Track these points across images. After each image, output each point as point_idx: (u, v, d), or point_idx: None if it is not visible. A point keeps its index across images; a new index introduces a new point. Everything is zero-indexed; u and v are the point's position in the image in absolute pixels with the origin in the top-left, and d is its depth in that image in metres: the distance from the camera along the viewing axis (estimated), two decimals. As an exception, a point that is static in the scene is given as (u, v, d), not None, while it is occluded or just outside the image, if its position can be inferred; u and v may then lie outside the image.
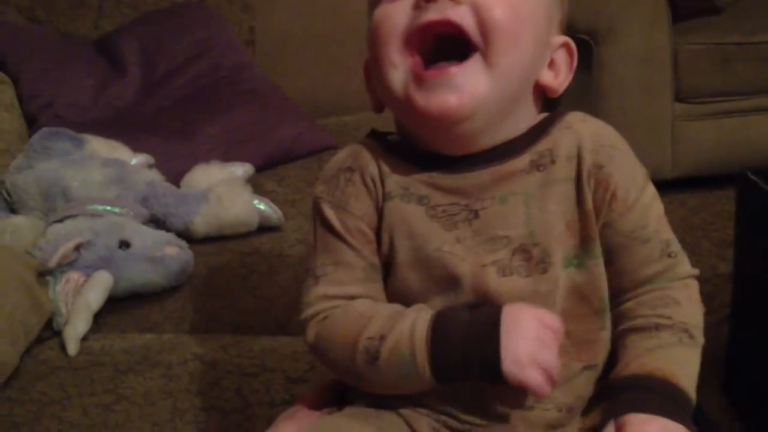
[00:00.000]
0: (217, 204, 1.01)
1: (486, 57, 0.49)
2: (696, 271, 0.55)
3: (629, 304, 0.53)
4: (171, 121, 1.26)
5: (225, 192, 1.02)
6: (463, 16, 0.49)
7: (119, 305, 0.89)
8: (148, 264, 0.89)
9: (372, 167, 0.53)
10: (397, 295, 0.53)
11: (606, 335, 0.53)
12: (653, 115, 1.96)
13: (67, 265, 0.86)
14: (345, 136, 1.39)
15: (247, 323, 0.87)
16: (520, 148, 0.52)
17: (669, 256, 0.53)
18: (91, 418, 0.72)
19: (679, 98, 1.97)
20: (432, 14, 0.49)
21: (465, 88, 0.49)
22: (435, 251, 0.51)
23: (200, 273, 0.95)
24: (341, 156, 0.55)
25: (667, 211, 1.81)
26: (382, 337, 0.49)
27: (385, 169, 0.53)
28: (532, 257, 0.51)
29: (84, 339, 0.82)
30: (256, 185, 1.16)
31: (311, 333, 0.52)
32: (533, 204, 0.51)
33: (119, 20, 1.46)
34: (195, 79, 1.35)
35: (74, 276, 0.85)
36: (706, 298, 1.58)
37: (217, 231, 1.02)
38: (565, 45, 0.55)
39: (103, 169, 1.00)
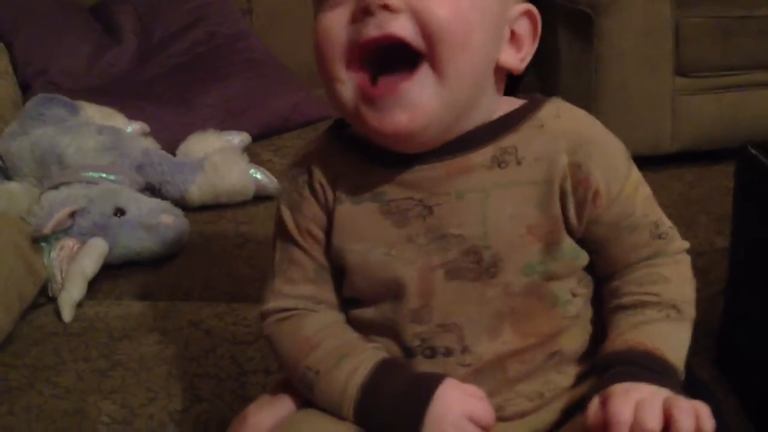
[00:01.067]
0: (213, 173, 1.01)
1: (434, 65, 0.46)
2: (687, 245, 0.54)
3: (617, 283, 0.52)
4: (167, 89, 1.25)
5: (221, 161, 1.02)
6: (404, 27, 0.45)
7: (114, 272, 0.89)
8: (144, 231, 0.89)
9: (323, 173, 0.52)
10: (348, 297, 0.53)
11: (569, 322, 0.51)
12: (653, 88, 1.95)
13: (62, 231, 0.86)
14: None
15: (243, 291, 0.87)
16: (481, 141, 0.50)
17: (659, 237, 0.52)
18: (85, 383, 0.72)
19: (679, 72, 1.95)
20: (372, 29, 0.46)
21: (417, 105, 0.46)
22: (383, 255, 0.50)
23: (196, 241, 0.95)
24: (300, 155, 0.55)
25: (666, 186, 1.80)
26: (318, 373, 0.50)
27: (340, 170, 0.52)
28: (482, 260, 0.49)
29: (79, 305, 0.82)
30: (252, 154, 1.16)
31: (266, 330, 0.54)
32: (491, 204, 0.49)
33: (115, -14, 1.44)
34: (191, 46, 1.34)
35: (69, 243, 0.85)
36: (702, 271, 1.57)
37: (213, 199, 1.01)
38: (527, 13, 0.51)
39: (98, 136, 1.00)
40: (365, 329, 0.52)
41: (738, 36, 1.91)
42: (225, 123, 1.21)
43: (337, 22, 0.47)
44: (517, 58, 0.50)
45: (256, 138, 1.23)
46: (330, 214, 0.52)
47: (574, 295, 0.52)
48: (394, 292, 0.50)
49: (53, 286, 0.83)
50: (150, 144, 1.07)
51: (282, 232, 0.54)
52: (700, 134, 2.00)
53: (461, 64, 0.46)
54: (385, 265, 0.50)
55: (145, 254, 0.90)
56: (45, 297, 0.84)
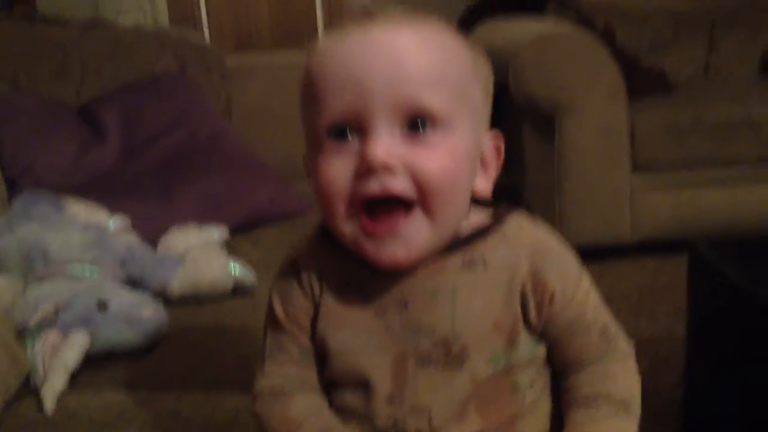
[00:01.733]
0: (193, 267, 1.05)
1: (426, 211, 0.54)
2: (632, 345, 0.62)
3: (571, 380, 0.60)
4: (149, 186, 1.30)
5: (202, 256, 1.06)
6: (402, 185, 0.53)
7: (95, 363, 0.91)
8: (125, 324, 0.92)
9: (312, 269, 0.60)
10: (329, 380, 0.60)
11: (528, 408, 0.58)
12: (613, 184, 2.06)
13: (46, 324, 0.89)
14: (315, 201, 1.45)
15: (221, 381, 0.90)
16: (454, 249, 0.57)
17: (608, 338, 0.60)
18: (66, 473, 0.73)
19: (636, 169, 2.07)
20: (374, 186, 0.53)
21: (411, 240, 0.54)
22: (363, 343, 0.57)
23: (175, 333, 0.98)
24: (292, 252, 0.63)
25: (627, 275, 1.88)
26: None
27: (328, 267, 0.59)
28: (451, 351, 0.56)
29: (60, 397, 0.84)
30: (230, 247, 1.21)
31: (256, 409, 0.61)
32: (460, 302, 0.56)
33: (101, 89, 1.51)
34: (173, 145, 1.40)
35: (52, 335, 0.88)
36: (663, 360, 1.64)
37: (193, 292, 1.05)
38: (494, 137, 0.59)
39: (82, 233, 1.04)
40: (343, 410, 0.58)
41: (690, 137, 2.04)
42: (205, 217, 1.26)
43: (341, 174, 0.54)
44: (485, 181, 0.59)
45: (235, 230, 1.28)
46: (317, 306, 0.59)
47: (532, 384, 0.58)
48: (371, 376, 0.57)
49: (36, 377, 0.85)
50: (132, 238, 1.11)
51: (272, 320, 0.62)
52: (657, 227, 2.10)
53: (449, 209, 0.55)
54: (363, 351, 0.57)
55: (125, 346, 0.92)
56: (27, 388, 0.86)
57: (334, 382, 0.60)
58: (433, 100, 0.53)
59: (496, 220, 0.59)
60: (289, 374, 0.60)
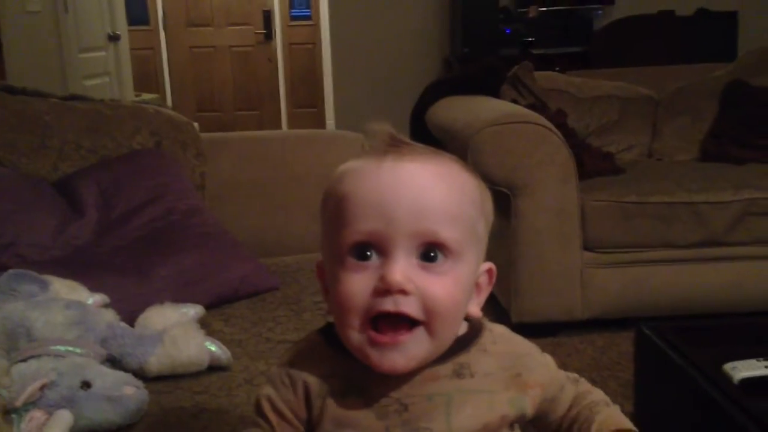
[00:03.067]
0: (171, 346, 1.09)
1: (429, 330, 0.62)
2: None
3: (565, 418, 0.71)
4: (125, 262, 1.35)
5: (180, 334, 1.11)
6: (412, 307, 0.61)
7: (76, 442, 0.95)
8: (107, 403, 0.96)
9: (314, 371, 0.66)
10: None
11: None
12: (565, 261, 2.17)
13: (31, 403, 0.92)
14: (286, 277, 1.51)
15: (198, 461, 0.94)
16: (445, 358, 0.66)
17: (570, 378, 0.73)
18: None
19: (587, 247, 2.19)
20: (389, 305, 0.61)
21: (411, 352, 0.62)
22: None
23: (153, 411, 1.02)
24: (293, 351, 0.69)
25: (578, 351, 1.99)
26: None
27: (330, 369, 0.66)
28: None
29: (43, 476, 0.87)
30: (203, 324, 1.25)
31: None
32: (453, 406, 0.64)
33: (79, 163, 1.56)
34: (150, 221, 1.45)
35: (37, 414, 0.91)
36: (612, 437, 1.69)
37: (170, 371, 1.09)
38: (488, 270, 0.69)
39: (65, 311, 1.07)
40: None
41: (636, 218, 2.17)
42: (179, 293, 1.31)
43: (360, 290, 0.61)
44: (477, 304, 0.68)
45: (207, 307, 1.32)
46: (319, 408, 0.65)
47: None
48: None
49: (21, 456, 0.88)
50: (112, 316, 1.15)
51: (257, 410, 0.68)
52: (607, 304, 2.21)
53: (448, 329, 0.64)
54: None
55: (106, 425, 0.96)
56: (12, 468, 0.88)
57: None
58: (449, 234, 0.61)
59: (475, 333, 0.68)
60: None
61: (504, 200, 2.17)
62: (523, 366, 0.68)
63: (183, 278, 1.35)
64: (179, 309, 1.22)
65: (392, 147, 0.64)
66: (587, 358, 2.05)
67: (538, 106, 2.58)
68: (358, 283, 0.61)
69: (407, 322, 0.61)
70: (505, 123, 2.14)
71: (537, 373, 0.68)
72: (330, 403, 0.65)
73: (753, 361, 1.11)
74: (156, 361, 1.09)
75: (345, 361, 0.65)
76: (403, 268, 0.60)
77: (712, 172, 2.38)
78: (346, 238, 0.62)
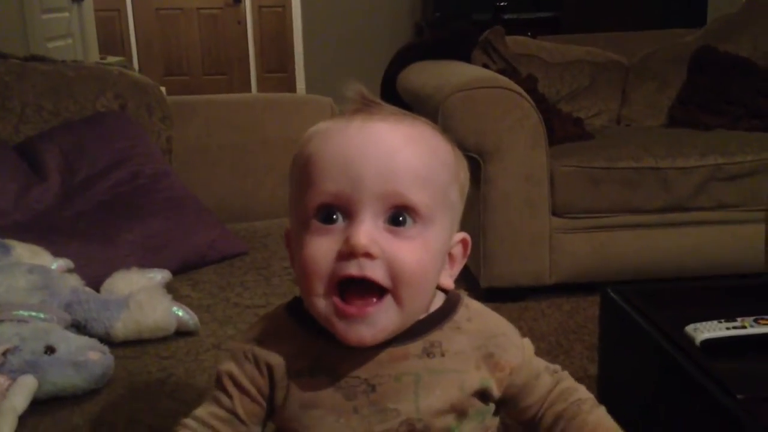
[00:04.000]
0: (137, 310, 1.08)
1: (396, 298, 0.60)
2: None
3: (547, 413, 0.67)
4: (90, 227, 1.32)
5: (145, 299, 1.10)
6: (379, 272, 0.58)
7: (39, 408, 0.93)
8: (72, 369, 0.95)
9: (280, 348, 0.64)
10: None
11: None
12: (533, 227, 2.19)
13: (-7, 369, 0.91)
14: (255, 242, 1.50)
15: (166, 424, 0.93)
16: (414, 335, 0.64)
17: (551, 371, 0.69)
18: None
19: (555, 213, 2.21)
20: (353, 269, 0.58)
21: (379, 323, 0.60)
22: (333, 422, 0.62)
23: (120, 376, 1.01)
24: (257, 328, 0.67)
25: (546, 314, 2.02)
26: None
27: (298, 347, 0.64)
28: (414, 429, 0.62)
29: (8, 441, 0.86)
30: (170, 289, 1.24)
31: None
32: (422, 386, 0.63)
33: (41, 126, 1.52)
34: (115, 185, 1.42)
35: (0, 380, 0.90)
36: (577, 398, 1.72)
37: (137, 336, 1.08)
38: (462, 240, 0.67)
39: (28, 276, 1.06)
40: None
41: (604, 184, 2.19)
42: (145, 259, 1.30)
43: (324, 254, 0.59)
44: (449, 275, 0.66)
45: (175, 272, 1.31)
46: (284, 388, 0.63)
47: None
48: None
49: (-17, 422, 0.87)
50: (76, 281, 1.13)
51: (218, 383, 0.66)
52: (574, 269, 2.24)
53: (417, 298, 0.61)
54: (334, 429, 0.62)
55: (71, 390, 0.95)
56: (-26, 433, 0.87)
57: None
58: (418, 197, 0.59)
59: (450, 308, 0.67)
60: (210, 425, 0.65)
61: (474, 166, 2.17)
62: (496, 346, 0.65)
63: (149, 243, 1.34)
64: (145, 274, 1.21)
65: (363, 107, 0.63)
66: (554, 322, 2.08)
67: (509, 71, 2.57)
68: (323, 247, 0.59)
69: (375, 291, 0.59)
70: (476, 88, 2.14)
71: (510, 354, 0.66)
72: (296, 383, 0.63)
73: (714, 323, 1.13)
74: (122, 326, 1.08)
75: (312, 339, 0.63)
76: (368, 231, 0.58)
77: (679, 137, 2.41)
78: (311, 200, 0.60)
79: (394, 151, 0.60)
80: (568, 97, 2.79)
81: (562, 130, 2.40)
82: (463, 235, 0.66)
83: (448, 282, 0.66)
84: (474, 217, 2.22)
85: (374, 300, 0.59)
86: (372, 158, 0.59)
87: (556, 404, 0.67)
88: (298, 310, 0.66)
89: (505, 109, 2.13)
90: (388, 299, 0.59)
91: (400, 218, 0.59)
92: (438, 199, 0.61)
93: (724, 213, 2.25)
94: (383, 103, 0.64)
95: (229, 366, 0.66)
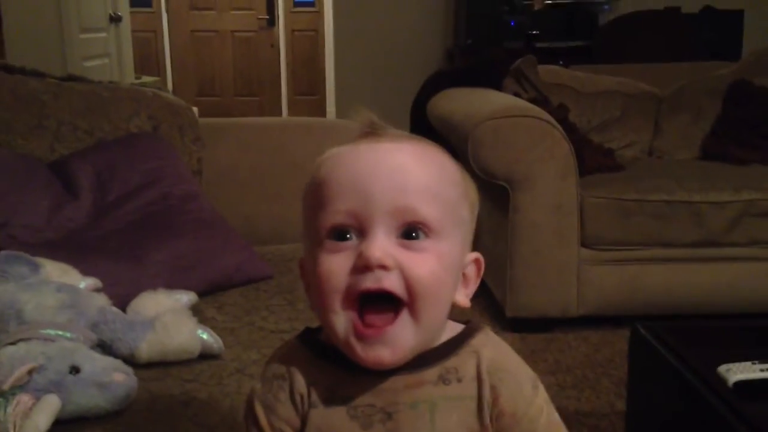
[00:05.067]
0: (163, 332, 1.08)
1: (412, 312, 0.59)
2: None
3: None
4: (120, 246, 1.33)
5: (171, 321, 1.10)
6: (393, 283, 0.59)
7: (63, 427, 0.93)
8: (96, 389, 0.95)
9: (300, 381, 0.63)
10: None
11: None
12: (561, 257, 2.16)
13: (18, 387, 0.91)
14: (281, 266, 1.50)
15: (187, 450, 0.93)
16: (431, 362, 0.63)
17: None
18: None
19: (584, 244, 2.18)
20: (369, 282, 0.59)
21: (397, 343, 0.59)
22: None
23: (142, 398, 1.01)
24: (277, 359, 0.66)
25: (572, 347, 1.98)
26: None
27: (313, 377, 0.63)
28: None
29: (30, 461, 0.86)
30: (196, 311, 1.24)
31: None
32: (438, 413, 0.62)
33: (75, 145, 1.54)
34: (145, 205, 1.44)
35: (25, 398, 0.90)
36: (603, 433, 1.69)
37: (161, 357, 1.08)
38: (475, 260, 0.66)
39: (56, 294, 1.07)
40: None
41: (635, 216, 2.17)
42: (173, 279, 1.30)
43: (339, 269, 0.59)
44: (465, 295, 0.65)
45: (201, 294, 1.31)
46: (304, 416, 0.63)
47: None
48: None
49: (7, 440, 0.87)
50: (104, 301, 1.14)
51: (255, 426, 0.64)
52: (602, 301, 2.20)
53: (433, 312, 0.61)
54: None
55: (95, 411, 0.95)
56: (-3, 451, 0.87)
57: None
58: (428, 211, 0.60)
59: (468, 334, 0.65)
60: None
61: (503, 195, 2.16)
62: (499, 381, 0.63)
63: (177, 264, 1.34)
64: (172, 295, 1.21)
65: (371, 131, 0.64)
66: (581, 356, 2.05)
67: (540, 101, 2.57)
68: (337, 263, 0.60)
69: (391, 307, 0.59)
70: (506, 116, 2.13)
71: (510, 396, 0.63)
72: (313, 413, 0.63)
73: (748, 364, 1.10)
74: (147, 347, 1.08)
75: (326, 369, 0.63)
76: (382, 244, 0.59)
77: (713, 171, 2.37)
78: (324, 221, 0.61)
79: (403, 167, 0.61)
80: (599, 128, 2.77)
81: (592, 160, 2.38)
82: (476, 254, 0.66)
83: (464, 301, 0.65)
84: (502, 246, 2.20)
85: (392, 316, 0.59)
86: (382, 175, 0.60)
87: None
88: (311, 341, 0.66)
89: (536, 139, 2.12)
90: (405, 315, 0.59)
91: (413, 234, 0.60)
92: (448, 214, 0.61)
93: (759, 249, 2.20)
94: (391, 127, 0.65)
95: (261, 419, 0.64)
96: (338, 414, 0.62)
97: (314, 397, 0.63)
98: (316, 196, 0.62)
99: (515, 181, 2.13)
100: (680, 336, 1.25)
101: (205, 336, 1.12)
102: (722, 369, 1.11)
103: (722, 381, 1.09)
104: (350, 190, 0.60)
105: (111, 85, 1.75)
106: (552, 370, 1.94)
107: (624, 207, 2.16)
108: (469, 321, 0.67)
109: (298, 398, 0.63)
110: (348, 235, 0.60)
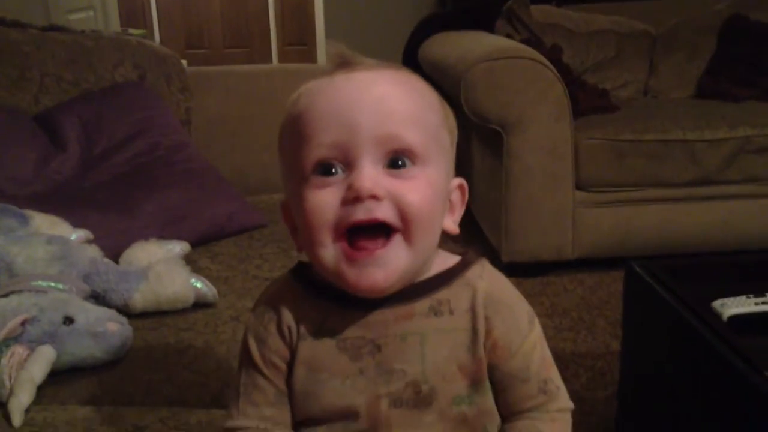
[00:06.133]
0: (156, 282, 1.08)
1: (406, 237, 0.58)
2: (570, 406, 0.66)
3: (507, 428, 0.64)
4: (109, 197, 1.32)
5: (164, 270, 1.09)
6: (386, 212, 0.57)
7: (59, 378, 0.94)
8: (91, 339, 0.95)
9: (288, 315, 0.63)
10: (305, 418, 0.63)
11: None
12: (556, 201, 2.15)
13: (12, 339, 0.91)
14: (274, 214, 1.49)
15: (184, 397, 0.94)
16: (422, 293, 0.62)
17: (545, 393, 0.64)
18: (35, 487, 0.76)
19: (579, 187, 2.17)
20: (361, 214, 0.57)
21: (390, 265, 0.58)
22: (339, 385, 0.61)
23: (138, 347, 1.01)
24: (268, 294, 0.66)
25: (568, 290, 1.98)
26: None
27: (303, 311, 0.63)
28: (420, 391, 0.61)
29: (26, 411, 0.86)
30: (190, 261, 1.23)
31: None
32: (428, 346, 0.61)
33: (60, 96, 1.52)
34: (134, 156, 1.42)
35: (19, 350, 0.90)
36: (600, 374, 1.74)
37: (155, 307, 1.08)
38: (459, 186, 0.65)
39: (47, 246, 1.06)
40: None
41: (629, 157, 2.15)
42: (164, 230, 1.29)
43: (328, 203, 0.58)
44: (452, 221, 0.64)
45: (194, 245, 1.30)
46: (294, 349, 0.62)
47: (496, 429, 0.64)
48: (347, 415, 0.61)
49: (2, 391, 0.87)
50: (94, 252, 1.13)
51: (248, 360, 0.64)
52: (598, 243, 2.20)
53: (426, 238, 0.60)
54: (340, 393, 0.61)
55: (90, 361, 0.95)
56: (-7, 402, 0.87)
57: (308, 420, 0.63)
58: (413, 137, 0.59)
59: (463, 266, 0.64)
60: (264, 415, 0.63)
61: (497, 139, 2.13)
62: (495, 313, 0.62)
63: (168, 215, 1.33)
64: (164, 246, 1.21)
65: (343, 62, 0.62)
66: (576, 298, 2.06)
67: (533, 42, 2.52)
68: (325, 197, 0.58)
69: (383, 233, 0.58)
70: (499, 58, 2.09)
71: (505, 329, 0.62)
72: (302, 345, 0.62)
73: (743, 298, 1.10)
74: (140, 297, 1.07)
75: (317, 303, 0.63)
76: (371, 174, 0.57)
77: (708, 109, 2.35)
78: (307, 156, 0.59)
79: (386, 95, 0.60)
80: (593, 68, 2.73)
81: (587, 102, 2.35)
82: (459, 180, 0.65)
83: (452, 227, 0.64)
84: (496, 191, 2.18)
85: (383, 240, 0.58)
86: (365, 104, 0.58)
87: (521, 419, 0.63)
88: (302, 275, 0.65)
89: (529, 81, 2.08)
90: (398, 238, 0.58)
91: (399, 162, 0.59)
92: (432, 140, 0.61)
93: (754, 186, 2.19)
94: (362, 56, 0.63)
95: (253, 352, 0.64)
96: (327, 346, 0.62)
97: (303, 330, 0.63)
98: (296, 131, 0.60)
99: (508, 124, 2.11)
100: (674, 272, 1.25)
101: (198, 285, 1.11)
102: (717, 304, 1.11)
103: (717, 316, 1.09)
104: (333, 122, 0.58)
105: (94, 34, 1.71)
106: (548, 312, 1.95)
107: (619, 148, 2.14)
108: (466, 252, 0.66)
109: (286, 330, 0.63)
110: (334, 170, 0.59)
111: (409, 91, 0.61)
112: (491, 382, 0.63)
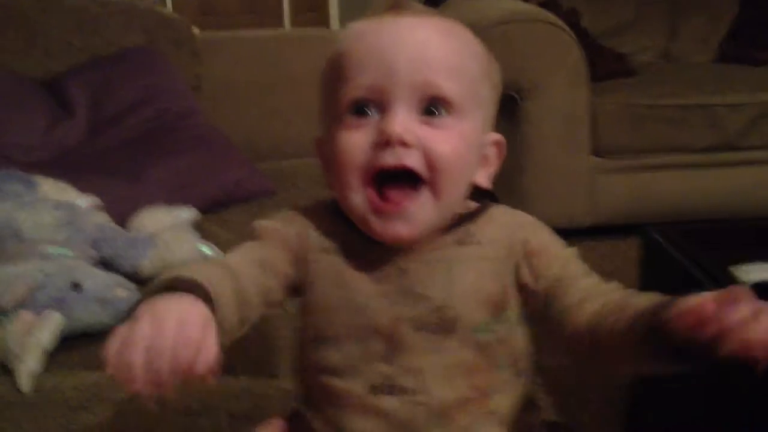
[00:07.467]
0: (164, 248, 1.06)
1: (434, 190, 0.59)
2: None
3: (586, 308, 0.57)
4: (117, 163, 1.31)
5: (172, 236, 1.08)
6: (414, 160, 0.58)
7: (67, 344, 0.93)
8: (99, 305, 0.94)
9: (316, 226, 0.62)
10: (319, 336, 0.62)
11: (502, 386, 0.62)
12: (572, 167, 2.12)
13: (20, 305, 0.90)
14: (283, 181, 1.47)
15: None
16: (447, 229, 0.62)
17: (593, 276, 0.63)
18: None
19: (595, 153, 2.13)
20: (390, 159, 0.57)
21: (416, 218, 0.58)
22: (361, 305, 0.60)
23: (147, 313, 1.00)
24: (299, 207, 0.66)
25: (583, 257, 1.94)
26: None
27: (332, 227, 0.62)
28: (444, 318, 0.60)
29: (35, 377, 0.86)
30: (198, 227, 1.22)
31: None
32: (454, 273, 0.61)
33: (68, 62, 1.50)
34: (142, 122, 1.40)
35: (27, 316, 0.89)
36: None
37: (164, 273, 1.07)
38: (496, 142, 0.65)
39: (54, 212, 1.04)
40: (333, 366, 0.61)
41: (647, 122, 2.10)
42: (172, 196, 1.27)
43: (358, 145, 0.58)
44: (485, 176, 0.64)
45: (202, 211, 1.29)
46: (314, 261, 0.61)
47: (511, 365, 0.63)
48: (366, 336, 0.60)
49: (11, 358, 0.87)
50: (102, 218, 1.12)
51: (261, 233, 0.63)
52: (615, 210, 2.17)
53: (454, 190, 0.60)
54: (362, 312, 0.60)
55: (98, 327, 0.94)
56: (2, 368, 0.87)
57: (322, 338, 0.62)
58: (450, 87, 0.58)
59: (484, 207, 0.65)
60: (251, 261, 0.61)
61: (512, 105, 2.10)
62: (531, 233, 0.63)
63: (176, 181, 1.31)
64: (172, 212, 1.19)
65: (394, 5, 0.62)
66: (592, 264, 1.99)
67: (550, 4, 2.46)
68: (357, 139, 0.59)
69: (411, 183, 0.58)
70: (514, 21, 2.04)
71: (543, 237, 0.63)
72: (326, 259, 0.62)
73: (766, 265, 1.07)
74: (149, 263, 1.06)
75: (346, 223, 0.62)
76: (403, 120, 0.57)
77: (729, 73, 2.29)
78: (344, 96, 0.59)
79: (426, 41, 0.59)
80: (611, 32, 2.67)
81: (604, 66, 2.30)
82: (497, 136, 0.65)
83: (485, 181, 0.64)
84: (511, 156, 2.14)
85: (411, 192, 0.58)
86: (404, 49, 0.58)
87: (592, 303, 0.58)
88: (333, 206, 0.64)
89: (545, 45, 2.04)
90: (425, 192, 0.58)
91: (434, 110, 0.59)
92: (470, 92, 0.60)
93: (776, 152, 2.15)
94: (415, 2, 0.63)
95: (273, 222, 0.64)
96: (351, 265, 0.61)
97: (328, 244, 0.62)
98: (336, 70, 0.61)
99: (524, 89, 2.07)
100: (692, 238, 1.22)
101: (207, 251, 1.10)
102: (737, 270, 1.08)
103: (738, 283, 1.06)
104: (372, 64, 0.58)
105: (102, 0, 1.69)
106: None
107: (637, 113, 2.10)
108: (482, 201, 0.66)
109: (310, 237, 0.62)
110: (368, 111, 0.59)
111: (452, 39, 0.60)
112: (546, 297, 0.60)
